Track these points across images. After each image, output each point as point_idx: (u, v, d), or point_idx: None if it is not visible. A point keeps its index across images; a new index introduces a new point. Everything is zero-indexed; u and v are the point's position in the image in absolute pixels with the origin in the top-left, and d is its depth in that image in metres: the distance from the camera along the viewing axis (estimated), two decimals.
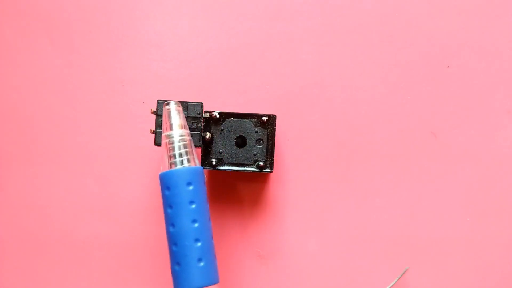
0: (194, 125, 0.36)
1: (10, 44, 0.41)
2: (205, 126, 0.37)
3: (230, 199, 0.40)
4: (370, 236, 0.40)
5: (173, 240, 0.33)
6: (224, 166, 0.37)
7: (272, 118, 0.37)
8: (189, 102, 0.36)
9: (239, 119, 0.37)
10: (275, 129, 0.37)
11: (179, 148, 0.34)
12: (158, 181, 0.40)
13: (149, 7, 0.42)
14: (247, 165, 0.37)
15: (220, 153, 0.37)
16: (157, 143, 0.36)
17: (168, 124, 0.35)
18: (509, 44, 0.41)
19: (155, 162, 0.40)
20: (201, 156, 0.37)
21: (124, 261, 0.40)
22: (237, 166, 0.37)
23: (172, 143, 0.34)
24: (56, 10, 0.42)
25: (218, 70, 0.41)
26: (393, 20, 0.41)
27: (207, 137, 0.37)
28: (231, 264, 0.40)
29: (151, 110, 0.36)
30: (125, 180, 0.40)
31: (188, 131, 0.35)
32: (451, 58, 0.41)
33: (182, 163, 0.34)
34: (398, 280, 0.40)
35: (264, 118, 0.37)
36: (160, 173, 0.34)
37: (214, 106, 0.40)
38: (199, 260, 0.33)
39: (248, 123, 0.37)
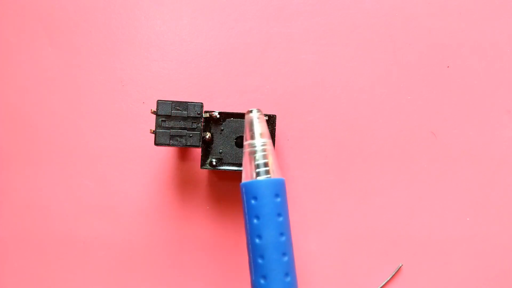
0: (194, 125, 0.36)
1: (10, 44, 0.41)
2: (205, 126, 0.37)
3: (230, 199, 0.40)
4: (370, 235, 0.40)
5: (259, 253, 0.32)
6: (224, 166, 0.37)
7: (272, 118, 0.37)
8: (189, 102, 0.36)
9: (239, 119, 0.37)
10: (275, 129, 0.37)
11: (263, 158, 0.34)
12: (158, 181, 0.40)
13: (149, 7, 0.42)
14: None
15: (220, 153, 0.37)
16: (157, 143, 0.36)
17: (251, 132, 0.34)
18: (509, 44, 0.41)
19: (155, 162, 0.40)
20: (201, 156, 0.37)
21: (125, 261, 0.40)
22: (237, 166, 0.37)
23: (255, 152, 0.34)
24: (56, 10, 0.42)
25: (218, 70, 0.41)
26: (393, 20, 0.41)
27: (207, 137, 0.37)
28: (231, 264, 0.40)
29: (151, 110, 0.36)
30: (125, 180, 0.40)
31: (270, 140, 0.35)
32: (451, 58, 0.41)
33: (267, 173, 0.33)
34: (394, 278, 0.40)
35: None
36: (243, 182, 0.33)
37: (214, 106, 0.40)
38: (286, 275, 0.32)
39: None
